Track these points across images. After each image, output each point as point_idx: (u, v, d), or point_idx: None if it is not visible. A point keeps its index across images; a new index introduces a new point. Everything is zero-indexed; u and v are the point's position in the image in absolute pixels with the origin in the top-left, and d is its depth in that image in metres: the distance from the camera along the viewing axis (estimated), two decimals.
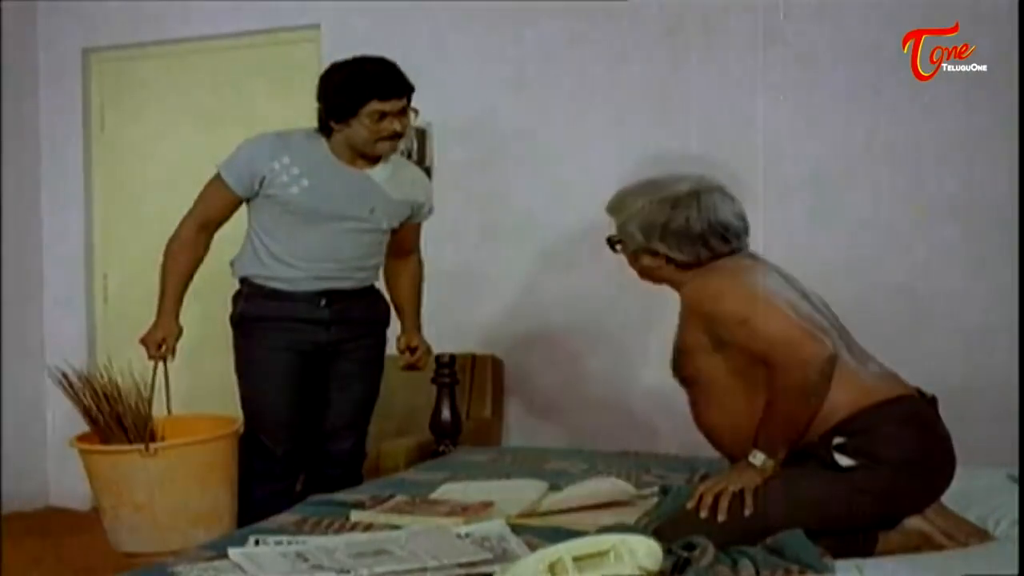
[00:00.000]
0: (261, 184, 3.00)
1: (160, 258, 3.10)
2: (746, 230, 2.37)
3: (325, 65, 3.12)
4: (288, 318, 3.05)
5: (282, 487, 3.08)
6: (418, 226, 3.31)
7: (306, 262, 3.03)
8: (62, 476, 4.73)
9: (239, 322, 3.14)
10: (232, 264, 3.15)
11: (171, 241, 3.10)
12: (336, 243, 3.05)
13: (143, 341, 3.07)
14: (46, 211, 4.93)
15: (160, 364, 3.07)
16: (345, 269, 3.08)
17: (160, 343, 3.05)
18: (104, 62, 4.86)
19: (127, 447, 3.01)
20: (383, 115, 2.94)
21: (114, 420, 3.07)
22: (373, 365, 3.24)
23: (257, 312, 3.09)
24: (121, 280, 4.83)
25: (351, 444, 3.22)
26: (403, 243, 3.26)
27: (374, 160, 3.05)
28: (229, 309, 3.16)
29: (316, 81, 3.04)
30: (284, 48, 4.51)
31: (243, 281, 3.13)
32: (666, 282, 2.39)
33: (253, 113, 4.39)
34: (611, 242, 2.44)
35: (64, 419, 3.65)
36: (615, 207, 2.42)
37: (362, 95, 2.91)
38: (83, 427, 3.17)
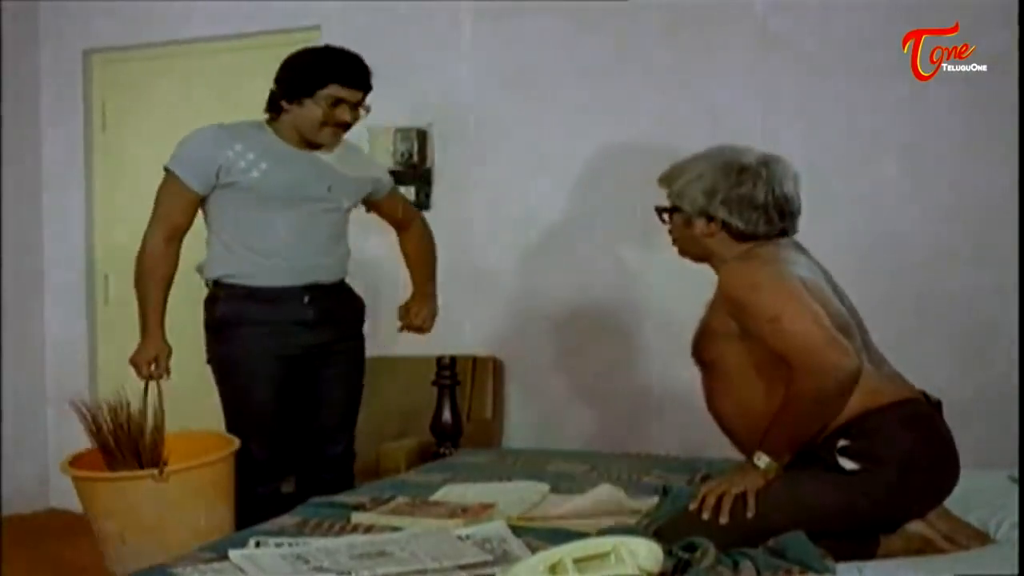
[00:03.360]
0: (218, 175, 2.94)
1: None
2: (800, 210, 2.35)
3: None
4: (272, 321, 2.99)
5: (267, 492, 3.02)
6: (394, 196, 3.33)
7: (280, 248, 2.98)
8: (62, 478, 4.69)
9: (219, 327, 3.03)
10: (200, 269, 3.07)
11: (141, 256, 2.99)
12: (303, 225, 3.00)
13: (133, 362, 2.98)
14: (46, 211, 4.93)
15: (152, 383, 2.97)
16: (317, 254, 3.03)
17: (151, 362, 2.97)
18: (105, 62, 4.85)
19: (140, 472, 2.87)
20: (339, 101, 2.94)
21: (129, 450, 2.93)
22: (357, 365, 3.22)
23: (238, 315, 3.00)
24: (121, 280, 4.82)
25: (343, 447, 3.21)
26: (394, 215, 3.31)
27: (317, 148, 3.03)
28: (203, 314, 3.07)
29: None
30: (284, 48, 4.47)
31: (217, 284, 3.04)
32: (709, 257, 2.36)
33: (253, 113, 4.37)
34: (660, 211, 2.41)
35: (64, 420, 3.64)
36: (671, 175, 2.38)
37: (324, 76, 2.93)
38: (83, 428, 3.12)
